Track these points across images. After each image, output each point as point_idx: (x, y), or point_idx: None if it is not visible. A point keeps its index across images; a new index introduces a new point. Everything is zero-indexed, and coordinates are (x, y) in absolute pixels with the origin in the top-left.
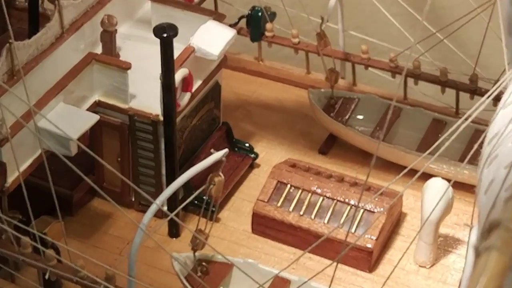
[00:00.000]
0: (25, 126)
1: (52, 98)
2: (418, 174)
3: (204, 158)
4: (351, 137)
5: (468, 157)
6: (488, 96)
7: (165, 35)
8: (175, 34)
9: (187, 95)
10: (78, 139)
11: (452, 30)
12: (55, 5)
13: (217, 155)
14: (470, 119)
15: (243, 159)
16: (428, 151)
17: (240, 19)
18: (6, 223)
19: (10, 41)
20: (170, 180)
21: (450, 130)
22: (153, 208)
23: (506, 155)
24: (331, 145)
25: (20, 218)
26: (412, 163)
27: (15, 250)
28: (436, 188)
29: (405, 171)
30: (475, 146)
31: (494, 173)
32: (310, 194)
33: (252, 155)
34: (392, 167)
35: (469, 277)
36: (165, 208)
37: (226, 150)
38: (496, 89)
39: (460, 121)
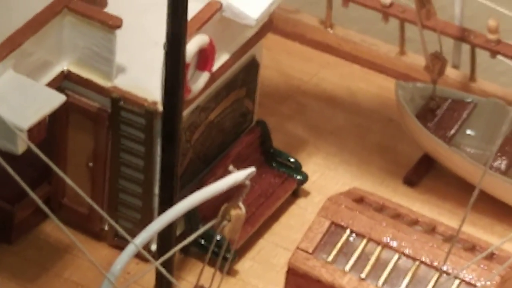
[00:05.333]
0: None
1: None
2: None
3: (223, 174)
4: (456, 163)
5: None
6: None
7: None
8: None
9: (204, 76)
10: (30, 130)
11: None
12: None
13: (237, 177)
14: None
15: (283, 181)
16: None
17: None
18: None
19: None
20: (164, 205)
21: None
22: (129, 251)
23: None
24: (423, 173)
25: None
26: None
27: None
28: None
29: None
30: None
31: None
32: (380, 248)
33: (299, 177)
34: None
35: None
36: (153, 248)
37: (252, 169)
38: None
39: None
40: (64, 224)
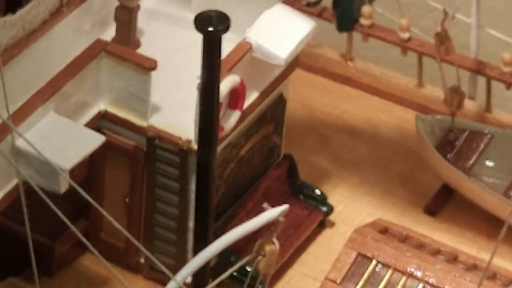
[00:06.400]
0: None
1: (40, 105)
2: None
3: (253, 208)
4: (475, 193)
5: None
6: None
7: (211, 28)
8: (226, 28)
9: (236, 114)
10: (72, 170)
11: None
12: None
13: (272, 213)
14: None
15: (310, 213)
16: None
17: None
18: None
19: None
20: (199, 239)
21: None
22: (171, 286)
23: None
24: (443, 202)
25: None
26: None
27: None
28: None
29: None
30: None
31: None
32: (405, 278)
33: (324, 208)
34: None
35: None
36: (188, 280)
37: (286, 206)
38: None
39: None
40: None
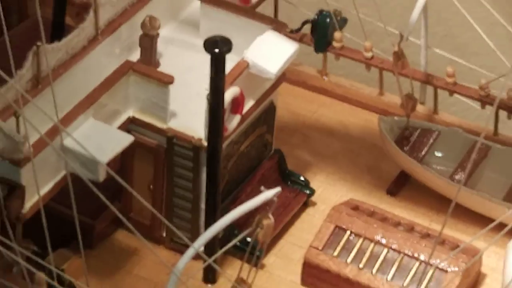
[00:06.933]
0: (48, 145)
1: (81, 112)
2: (507, 229)
3: (251, 191)
4: (426, 178)
5: None
6: None
7: (217, 50)
8: (229, 50)
9: (237, 118)
10: (108, 163)
11: None
12: (93, 1)
13: (267, 194)
14: None
15: (296, 195)
16: None
17: (304, 24)
18: (19, 254)
19: (38, 43)
20: (209, 216)
21: None
22: (190, 253)
23: None
24: (402, 185)
25: (34, 250)
26: (498, 214)
27: (27, 286)
28: None
29: (493, 225)
30: None
31: None
32: (373, 244)
33: (307, 191)
34: (473, 217)
35: None
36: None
37: (279, 189)
38: None
39: None
40: (131, 233)
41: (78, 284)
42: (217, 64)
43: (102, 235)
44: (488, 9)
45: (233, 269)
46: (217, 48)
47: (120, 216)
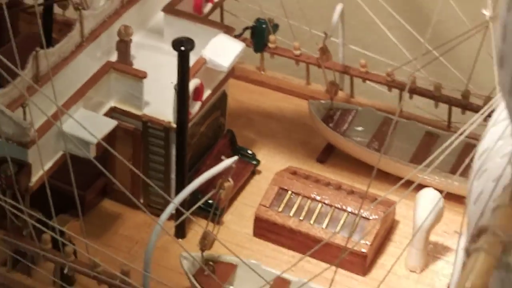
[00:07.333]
0: (50, 129)
1: (74, 104)
2: (414, 185)
3: (210, 164)
4: (348, 147)
5: (460, 170)
6: (481, 114)
7: (182, 48)
8: (192, 48)
9: (198, 104)
10: (98, 144)
11: (447, 47)
12: (79, 15)
13: (227, 162)
14: (463, 136)
15: (245, 165)
16: (423, 164)
17: (244, 30)
18: (29, 218)
19: (37, 49)
20: (179, 184)
21: (444, 145)
22: (170, 207)
23: (495, 169)
24: (329, 155)
25: (39, 217)
26: (405, 174)
27: (36, 245)
28: (429, 198)
29: (402, 181)
30: (467, 161)
31: (483, 186)
32: (309, 201)
33: (254, 162)
34: (385, 177)
35: (459, 276)
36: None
37: (236, 157)
38: (488, 107)
39: (454, 137)
40: (115, 201)
41: (75, 240)
42: (183, 60)
43: (91, 203)
44: (391, 13)
45: (198, 227)
46: (183, 46)
47: (122, 188)
